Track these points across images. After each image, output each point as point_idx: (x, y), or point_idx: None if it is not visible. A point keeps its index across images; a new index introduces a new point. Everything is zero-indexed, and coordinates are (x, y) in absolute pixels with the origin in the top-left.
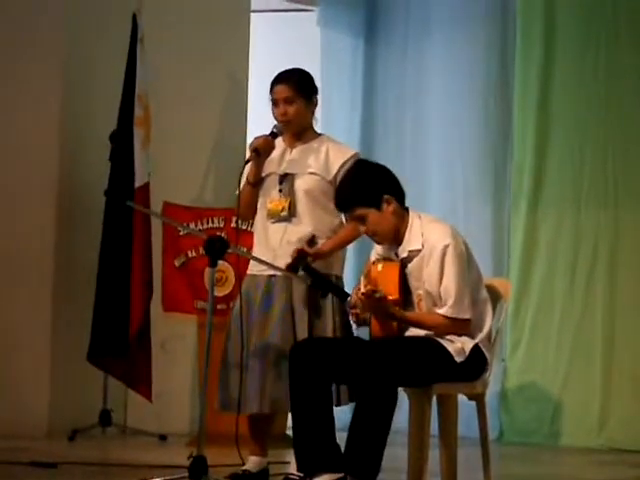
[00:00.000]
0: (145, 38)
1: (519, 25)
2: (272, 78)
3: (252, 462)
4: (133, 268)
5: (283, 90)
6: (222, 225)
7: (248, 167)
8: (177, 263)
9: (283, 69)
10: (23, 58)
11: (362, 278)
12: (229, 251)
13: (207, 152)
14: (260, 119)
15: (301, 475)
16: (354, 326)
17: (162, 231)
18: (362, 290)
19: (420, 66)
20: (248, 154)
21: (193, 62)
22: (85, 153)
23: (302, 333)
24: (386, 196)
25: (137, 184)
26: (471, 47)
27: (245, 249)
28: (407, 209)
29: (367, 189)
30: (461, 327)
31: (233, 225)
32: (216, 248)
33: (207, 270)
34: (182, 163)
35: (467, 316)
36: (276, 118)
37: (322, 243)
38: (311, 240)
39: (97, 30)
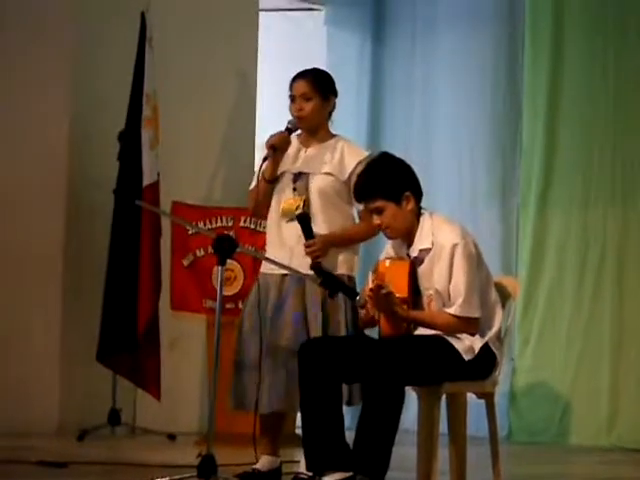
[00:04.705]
0: (153, 37)
1: (528, 23)
2: (291, 76)
3: (263, 461)
4: (141, 267)
5: (301, 86)
6: (231, 224)
7: (265, 164)
8: (186, 262)
9: (291, 68)
10: (31, 57)
11: (370, 274)
12: (238, 250)
13: (216, 151)
14: (269, 118)
15: (310, 474)
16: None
17: (171, 230)
18: (370, 286)
19: (427, 64)
20: (263, 151)
21: (201, 61)
22: (94, 153)
23: (315, 332)
24: (407, 193)
25: (145, 183)
26: (479, 45)
27: (253, 248)
28: (421, 209)
29: (391, 182)
30: (470, 326)
31: (247, 225)
32: (225, 247)
33: (216, 269)
34: (191, 162)
35: (476, 315)
36: (292, 113)
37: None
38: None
39: (105, 29)
